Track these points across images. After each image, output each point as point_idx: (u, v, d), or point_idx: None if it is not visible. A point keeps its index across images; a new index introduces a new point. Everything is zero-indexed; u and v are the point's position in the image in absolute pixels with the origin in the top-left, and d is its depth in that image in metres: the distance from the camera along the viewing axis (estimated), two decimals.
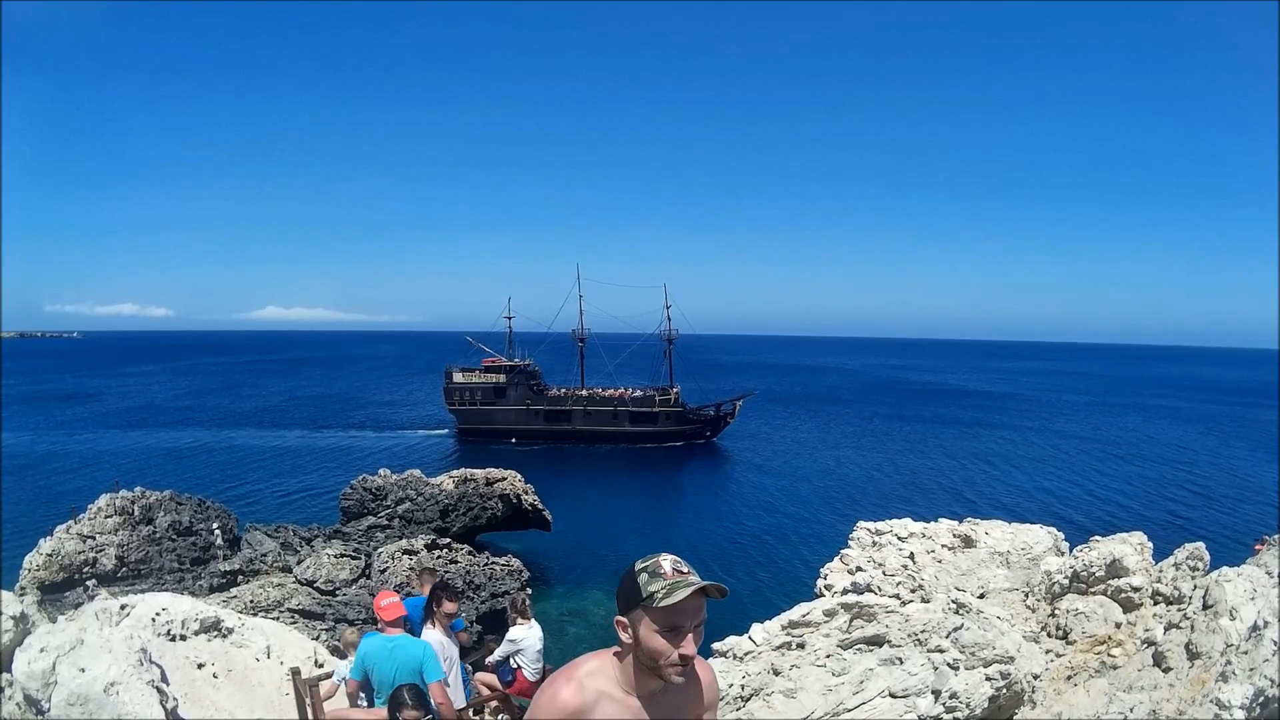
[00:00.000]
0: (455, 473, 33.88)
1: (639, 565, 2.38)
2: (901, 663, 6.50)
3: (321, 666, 8.54)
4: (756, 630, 7.43)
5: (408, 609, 8.18)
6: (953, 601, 7.38)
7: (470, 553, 24.96)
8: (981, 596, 9.43)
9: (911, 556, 10.62)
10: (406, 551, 23.82)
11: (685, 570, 2.34)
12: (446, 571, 22.56)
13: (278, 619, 18.11)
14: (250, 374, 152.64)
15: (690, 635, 2.33)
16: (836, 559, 11.38)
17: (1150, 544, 8.47)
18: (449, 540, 25.86)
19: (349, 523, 31.02)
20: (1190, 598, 5.80)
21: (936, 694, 6.24)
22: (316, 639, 13.65)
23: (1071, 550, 9.52)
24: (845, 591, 9.31)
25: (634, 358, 75.05)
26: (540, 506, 32.81)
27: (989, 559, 10.39)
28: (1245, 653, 4.41)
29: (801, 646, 7.06)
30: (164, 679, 6.69)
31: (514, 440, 67.78)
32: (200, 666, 7.94)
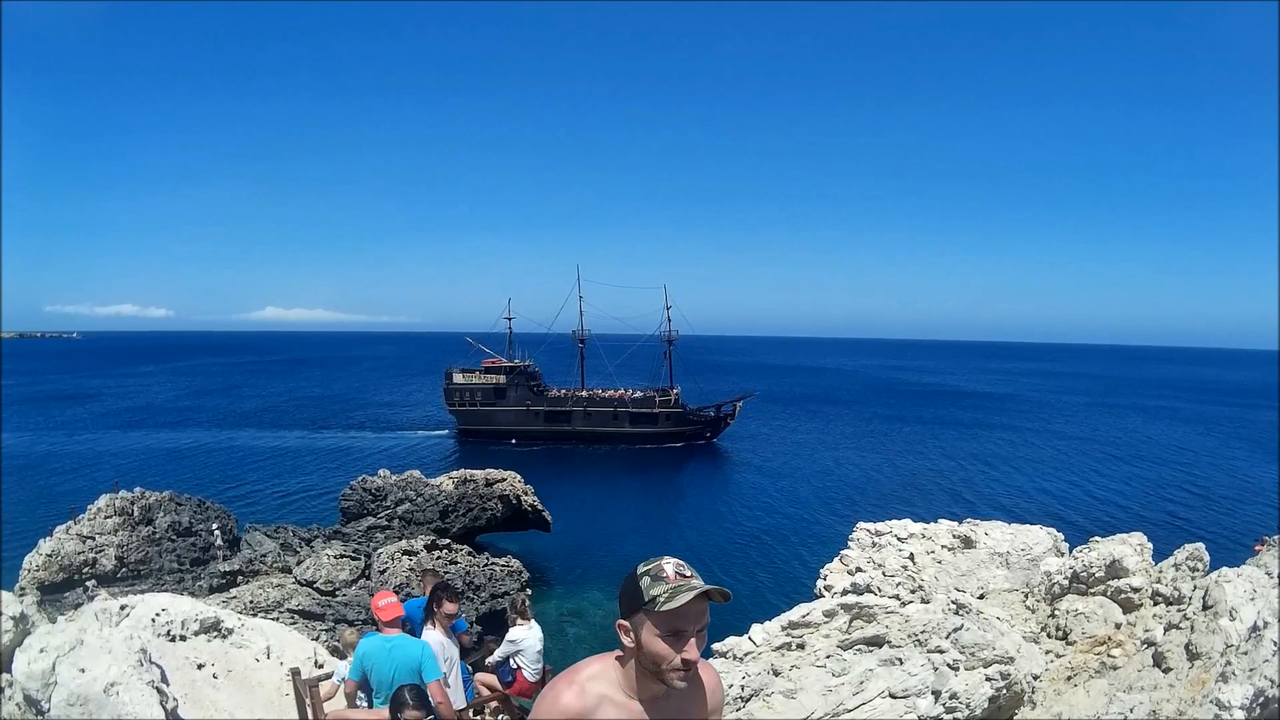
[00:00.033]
0: (455, 473, 33.87)
1: (641, 568, 2.35)
2: (901, 663, 6.50)
3: (321, 667, 8.53)
4: (756, 631, 7.43)
5: (409, 610, 8.19)
6: (952, 602, 7.38)
7: (470, 553, 24.96)
8: (981, 597, 9.43)
9: (911, 557, 10.62)
10: (406, 552, 23.81)
11: (688, 574, 2.31)
12: (446, 572, 22.55)
13: (277, 619, 18.11)
14: (250, 374, 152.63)
15: (693, 640, 2.31)
16: (836, 560, 11.38)
17: (1150, 545, 8.47)
18: (449, 541, 25.85)
19: (349, 523, 31.01)
20: (1190, 598, 5.80)
21: (936, 694, 6.24)
22: (316, 639, 13.64)
23: (1071, 551, 9.52)
24: (845, 592, 9.30)
25: (634, 359, 75.06)
26: (540, 507, 32.80)
27: (989, 560, 10.39)
28: (1245, 653, 4.41)
29: (801, 647, 7.06)
30: (164, 679, 6.69)
31: (514, 441, 67.78)
32: (200, 667, 7.94)
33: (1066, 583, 8.29)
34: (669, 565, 2.32)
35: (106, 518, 24.89)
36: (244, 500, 42.56)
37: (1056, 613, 8.14)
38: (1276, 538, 7.25)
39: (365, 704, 6.66)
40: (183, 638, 8.14)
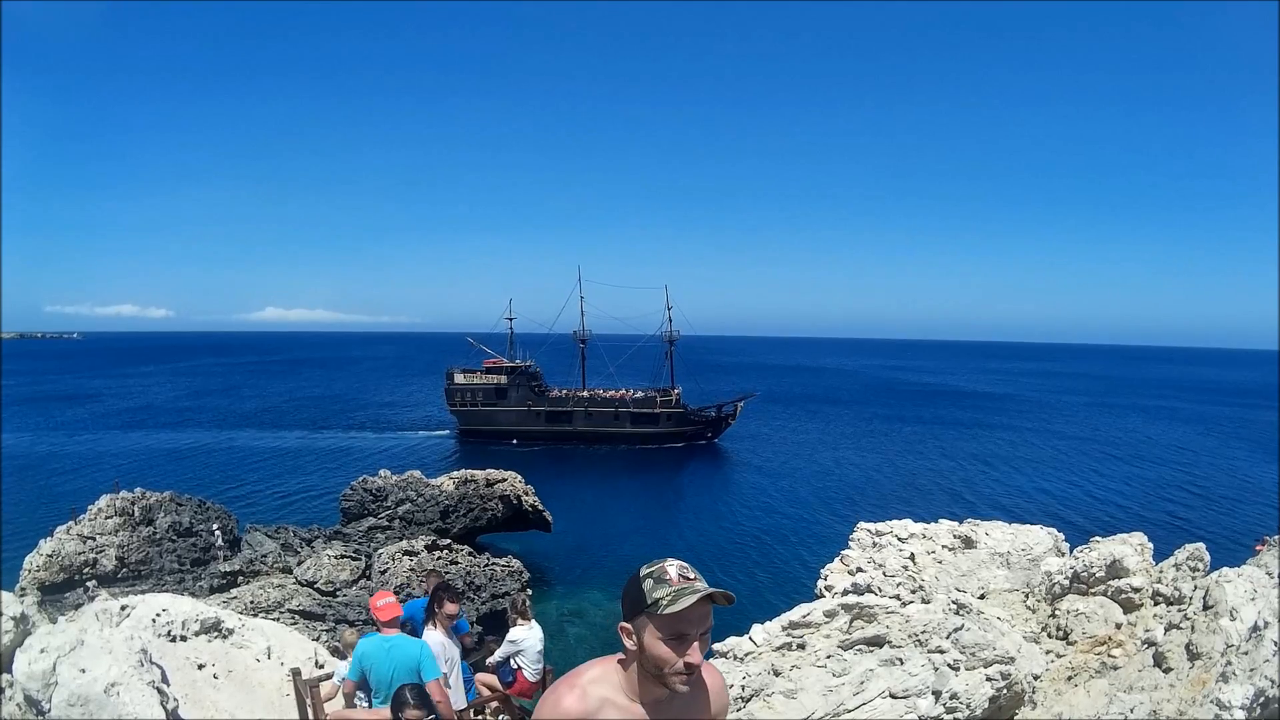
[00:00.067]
0: (455, 474, 33.87)
1: (644, 570, 2.32)
2: (902, 663, 6.50)
3: (322, 667, 8.53)
4: (757, 631, 7.43)
5: (410, 611, 8.19)
6: (953, 602, 7.38)
7: (470, 554, 24.96)
8: (982, 597, 9.43)
9: (912, 557, 10.62)
10: (407, 553, 23.82)
11: (691, 576, 2.28)
12: (447, 572, 22.55)
13: (278, 620, 18.11)
14: (250, 375, 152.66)
15: (696, 643, 2.27)
16: (837, 560, 11.38)
17: (1150, 545, 8.47)
18: (449, 541, 25.86)
19: (349, 524, 31.01)
20: (1190, 598, 5.80)
21: (937, 694, 6.24)
22: (317, 640, 13.64)
23: (1072, 551, 9.52)
24: (845, 592, 9.30)
25: (635, 359, 75.06)
26: (540, 507, 32.80)
27: (989, 560, 10.39)
28: (1245, 653, 4.41)
29: (802, 647, 7.06)
30: (164, 680, 6.69)
31: (515, 441, 67.79)
32: (201, 667, 7.94)
33: (1067, 583, 8.29)
34: (672, 567, 2.29)
35: (107, 518, 24.90)
36: (244, 500, 42.57)
37: (1057, 613, 8.14)
38: (1276, 538, 7.25)
39: (365, 704, 6.67)
40: (183, 638, 8.14)
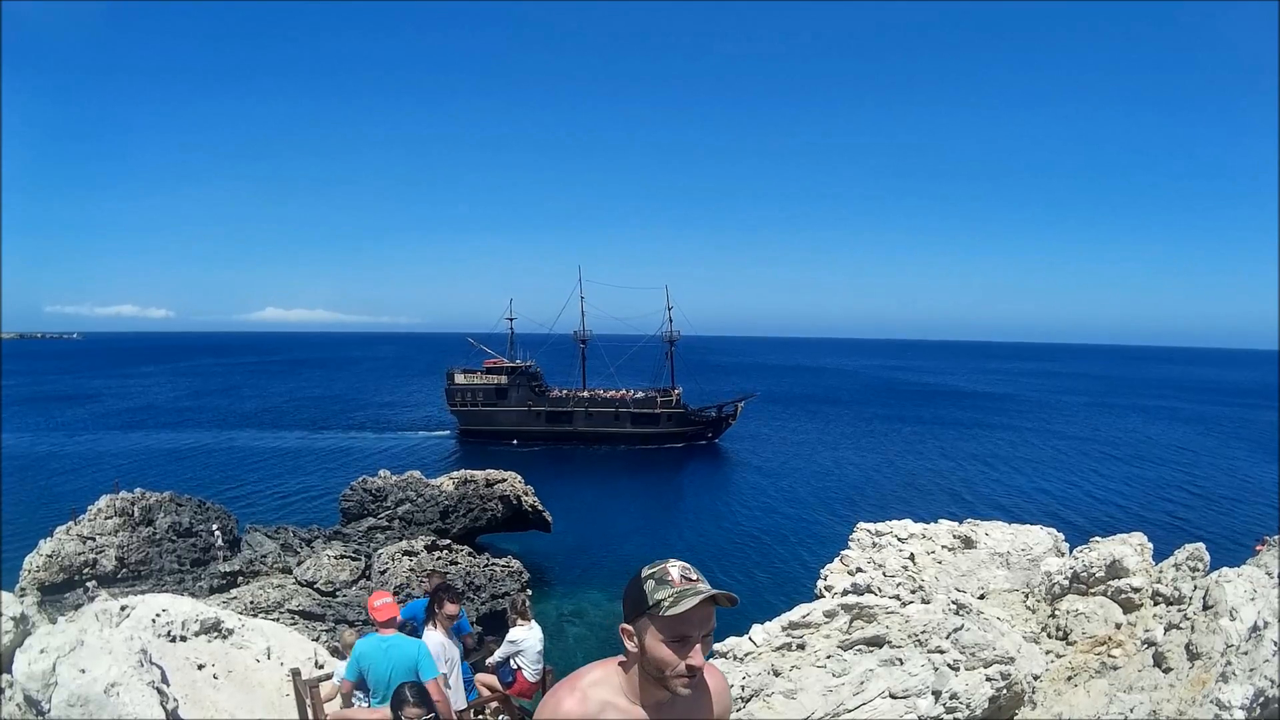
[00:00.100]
0: (455, 474, 33.88)
1: (646, 571, 2.29)
2: (902, 663, 6.50)
3: (321, 667, 8.53)
4: (756, 631, 7.42)
5: (411, 611, 8.20)
6: (953, 602, 7.38)
7: (470, 554, 24.98)
8: (982, 597, 9.43)
9: (911, 557, 10.62)
10: (406, 553, 23.83)
11: (694, 577, 2.25)
12: (446, 572, 22.55)
13: (278, 620, 18.12)
14: (250, 375, 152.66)
15: (698, 645, 2.24)
16: (836, 560, 11.38)
17: (1150, 545, 8.47)
18: (449, 541, 25.87)
19: (349, 524, 31.01)
20: (1190, 598, 5.80)
21: (937, 695, 6.24)
22: (316, 640, 13.64)
23: (1072, 551, 9.52)
24: (845, 592, 9.30)
25: (635, 359, 75.06)
26: (540, 508, 32.80)
27: (989, 560, 10.39)
28: (1245, 653, 4.41)
29: (802, 647, 7.06)
30: (164, 680, 6.69)
31: (515, 441, 67.79)
32: (200, 667, 7.94)
33: (1067, 583, 8.29)
34: (674, 568, 2.26)
35: (107, 518, 24.90)
36: (244, 501, 42.57)
37: (1057, 613, 8.14)
38: (1276, 538, 7.25)
39: (364, 704, 6.67)
40: (183, 638, 8.14)
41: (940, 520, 11.74)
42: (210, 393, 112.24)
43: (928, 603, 7.93)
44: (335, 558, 24.00)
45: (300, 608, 21.57)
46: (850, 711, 6.21)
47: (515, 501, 32.33)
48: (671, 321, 74.40)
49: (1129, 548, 8.15)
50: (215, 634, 8.40)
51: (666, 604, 2.18)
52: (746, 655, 7.18)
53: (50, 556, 22.77)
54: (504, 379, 70.30)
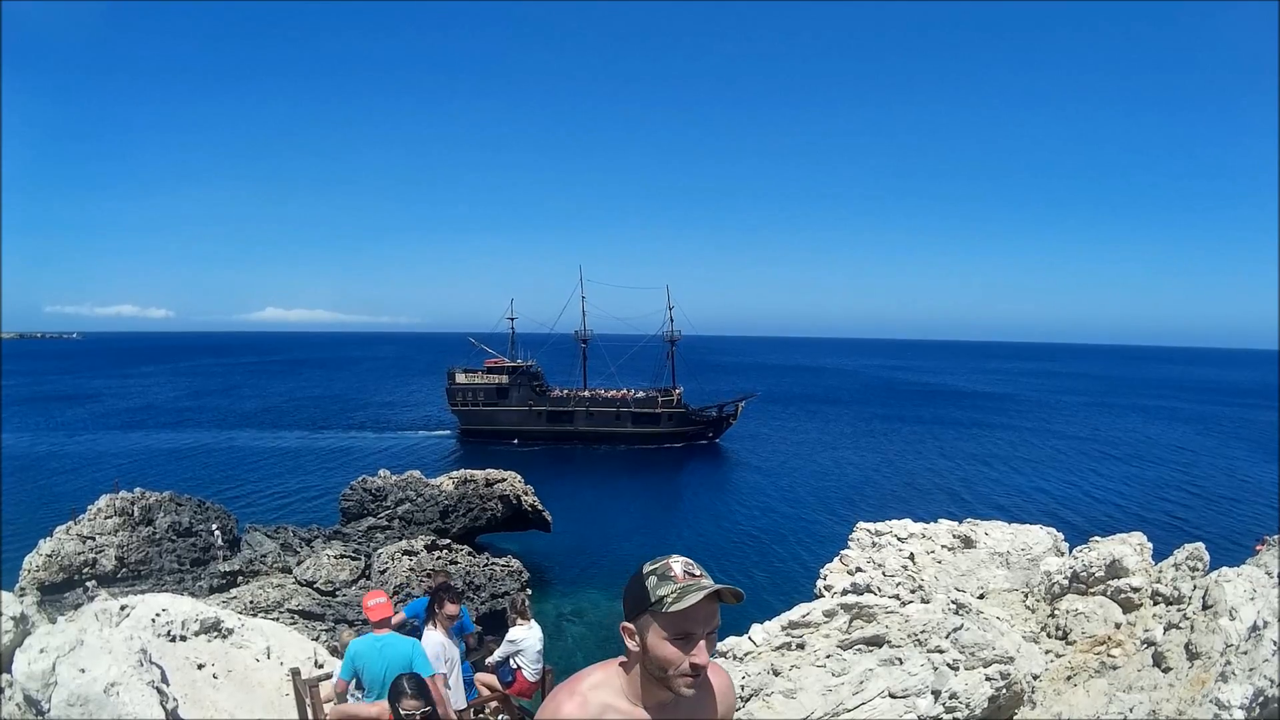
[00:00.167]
0: (455, 474, 33.87)
1: (647, 568, 2.20)
2: (901, 663, 6.50)
3: (321, 667, 8.54)
4: (756, 631, 7.42)
5: (412, 611, 8.20)
6: (952, 602, 7.38)
7: (470, 553, 24.97)
8: (981, 597, 9.43)
9: (911, 557, 10.62)
10: (406, 552, 23.83)
11: (697, 573, 2.17)
12: (450, 572, 22.56)
13: (278, 620, 18.12)
14: (250, 375, 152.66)
15: (702, 643, 2.15)
16: (836, 559, 11.38)
17: (1150, 544, 8.47)
18: (449, 541, 25.87)
19: (349, 523, 31.01)
20: (1190, 598, 5.81)
21: (936, 694, 6.24)
22: (316, 639, 13.64)
23: (1071, 551, 9.52)
24: (845, 592, 9.31)
25: (636, 359, 75.08)
26: (540, 507, 32.81)
27: (989, 559, 10.39)
28: (1245, 653, 4.41)
29: (801, 647, 7.06)
30: (164, 679, 6.69)
31: (515, 441, 67.81)
32: (200, 667, 7.94)
33: (1066, 582, 8.29)
34: (677, 564, 2.18)
35: (106, 518, 24.90)
36: (244, 500, 42.57)
37: (1056, 612, 8.14)
38: (1276, 538, 7.25)
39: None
40: (183, 638, 8.14)
41: (940, 520, 11.74)
42: (210, 393, 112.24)
43: (927, 602, 7.93)
44: (335, 557, 24.00)
45: (300, 607, 21.58)
46: (850, 711, 6.22)
47: (515, 501, 32.33)
48: (672, 321, 74.48)
49: (1129, 547, 8.16)
50: (215, 633, 8.40)
51: (670, 600, 2.11)
52: (746, 655, 7.18)
53: (50, 556, 22.77)
54: (505, 379, 70.32)
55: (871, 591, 9.38)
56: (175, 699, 6.57)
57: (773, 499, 47.46)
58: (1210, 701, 4.30)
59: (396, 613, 8.68)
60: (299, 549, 26.90)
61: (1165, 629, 5.62)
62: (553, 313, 78.30)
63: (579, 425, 69.67)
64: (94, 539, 24.00)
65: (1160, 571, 7.84)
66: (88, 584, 22.35)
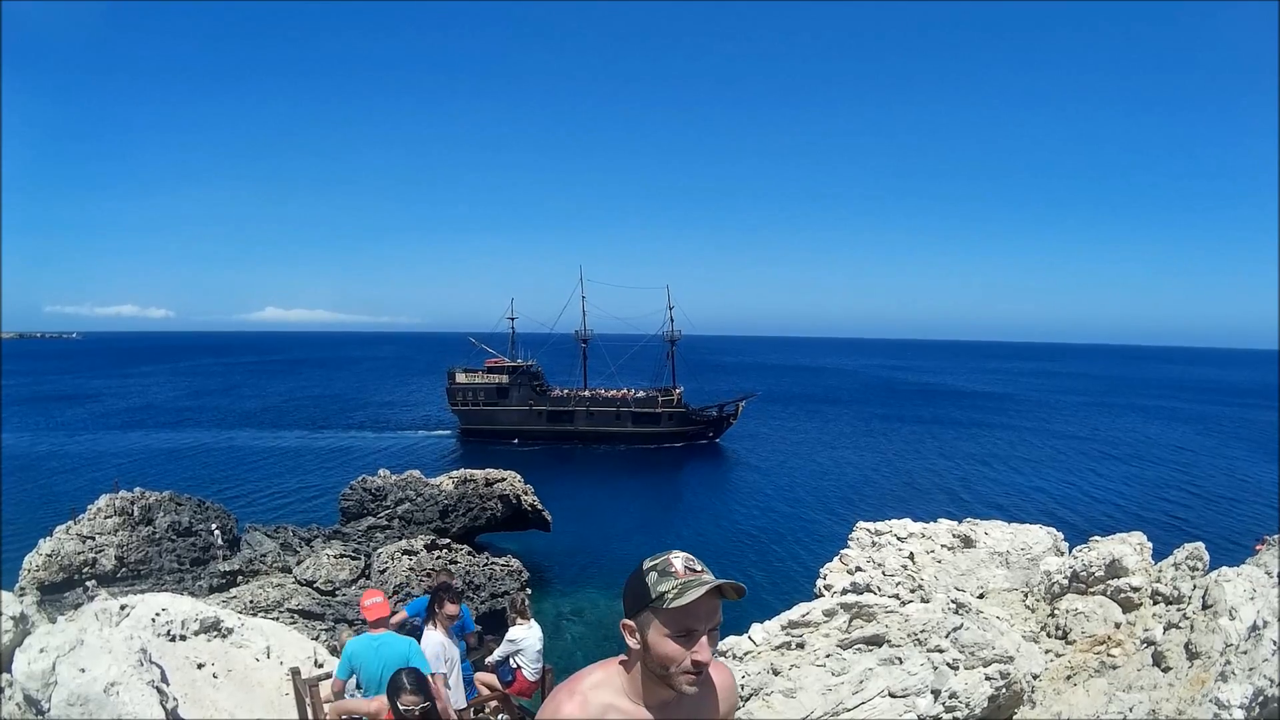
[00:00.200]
0: (455, 473, 33.87)
1: (648, 564, 2.16)
2: (901, 662, 6.50)
3: (321, 666, 8.54)
4: (756, 630, 7.42)
5: (415, 608, 8.21)
6: (952, 601, 7.38)
7: (470, 553, 24.97)
8: (981, 596, 9.43)
9: (911, 557, 10.62)
10: (406, 552, 23.82)
11: (699, 568, 2.13)
12: (452, 572, 22.56)
13: (277, 619, 18.11)
14: (250, 375, 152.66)
15: (704, 639, 2.11)
16: (836, 559, 11.38)
17: (1150, 544, 8.47)
18: (449, 541, 25.86)
19: (348, 523, 31.02)
20: (1190, 598, 5.81)
21: (936, 694, 6.24)
22: (316, 639, 13.64)
23: (1071, 550, 9.52)
24: (845, 591, 9.31)
25: (637, 359, 75.10)
26: (540, 507, 32.81)
27: (988, 559, 10.39)
28: (1245, 652, 4.42)
29: (801, 646, 7.05)
30: (164, 679, 6.69)
31: (515, 441, 67.83)
32: (200, 667, 7.94)
33: (1066, 582, 8.29)
34: (678, 559, 2.15)
35: (106, 518, 24.89)
36: (244, 500, 42.57)
37: (1056, 612, 8.14)
38: (1276, 537, 7.25)
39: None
40: (183, 637, 8.14)
41: (939, 519, 11.73)
42: (210, 392, 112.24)
43: (927, 602, 7.93)
44: (335, 557, 24.00)
45: (300, 607, 21.57)
46: (849, 710, 6.22)
47: (515, 501, 32.33)
48: (673, 321, 74.49)
49: (1128, 547, 8.16)
50: (215, 633, 8.40)
51: (670, 596, 2.07)
52: (746, 654, 7.18)
53: (50, 556, 22.77)
54: (505, 378, 70.35)
55: (871, 591, 9.38)
56: (175, 698, 6.57)
57: (773, 498, 47.46)
58: (1210, 701, 4.30)
59: (397, 611, 8.69)
60: (299, 548, 26.91)
61: (1165, 629, 5.62)
62: (553, 312, 78.38)
63: (579, 425, 69.69)
64: (94, 539, 24.00)
65: (1160, 571, 7.84)
66: (88, 584, 22.35)
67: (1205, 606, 5.32)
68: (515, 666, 8.45)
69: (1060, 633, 7.85)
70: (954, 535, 10.94)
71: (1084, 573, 8.08)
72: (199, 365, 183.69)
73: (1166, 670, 5.19)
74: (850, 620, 7.18)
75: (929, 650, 6.58)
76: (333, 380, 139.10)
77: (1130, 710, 4.93)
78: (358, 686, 6.58)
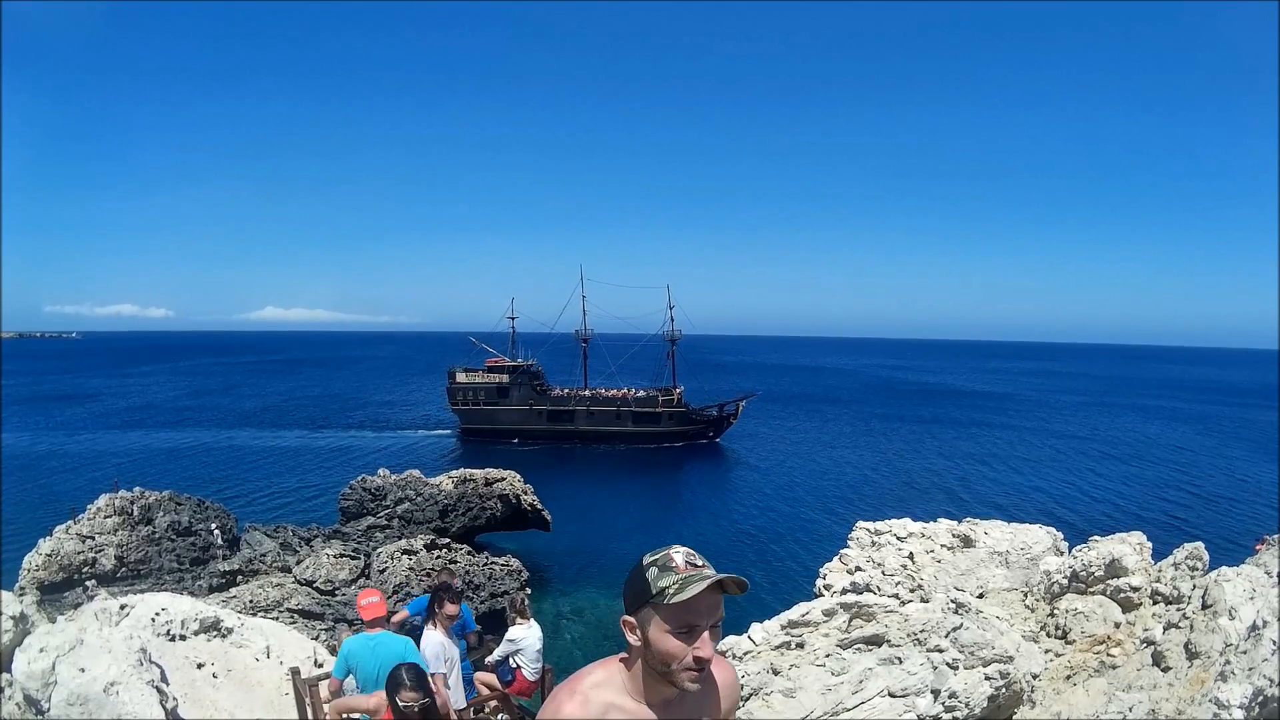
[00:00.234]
0: (454, 473, 33.87)
1: (648, 559, 2.13)
2: (901, 662, 6.50)
3: (321, 666, 8.54)
4: (755, 630, 7.42)
5: (416, 607, 8.21)
6: (952, 601, 7.38)
7: (469, 553, 24.97)
8: (981, 596, 9.43)
9: (911, 556, 10.62)
10: (406, 551, 23.82)
11: (700, 563, 2.10)
12: (455, 572, 22.55)
13: (277, 619, 18.10)
14: (250, 374, 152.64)
15: (706, 635, 2.08)
16: (836, 559, 11.38)
17: (1149, 544, 8.47)
18: (448, 540, 25.86)
19: (348, 523, 31.02)
20: (1189, 597, 5.81)
21: (935, 693, 6.24)
22: (316, 639, 13.65)
23: (1071, 550, 9.52)
24: (844, 591, 9.31)
25: (637, 358, 75.11)
26: (539, 506, 32.81)
27: (988, 559, 10.39)
28: (1244, 652, 4.42)
29: (801, 646, 7.06)
30: (164, 679, 6.69)
31: (516, 440, 67.83)
32: (200, 666, 7.94)
33: (1066, 582, 8.29)
34: (678, 554, 2.11)
35: (106, 517, 24.89)
36: (244, 500, 42.57)
37: (1056, 612, 8.14)
38: (1276, 537, 7.26)
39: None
40: (182, 637, 8.14)
41: (939, 519, 11.73)
42: (210, 392, 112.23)
43: (927, 601, 7.93)
44: (334, 556, 24.00)
45: (299, 606, 21.57)
46: (849, 710, 6.22)
47: (514, 500, 32.33)
48: (673, 320, 74.48)
49: (1128, 547, 8.15)
50: (214, 633, 8.40)
51: (671, 591, 2.04)
52: (745, 654, 7.18)
53: (49, 555, 22.77)
54: (506, 378, 70.37)
55: (871, 591, 9.38)
56: (175, 698, 6.57)
57: (772, 498, 47.46)
58: (1209, 701, 4.30)
59: (398, 611, 8.70)
60: (298, 548, 26.91)
61: (1165, 628, 5.62)
62: (553, 312, 78.40)
63: (579, 424, 69.70)
64: (93, 538, 24.01)
65: (1160, 571, 7.84)
66: (87, 583, 22.34)
67: (1205, 606, 5.32)
68: (515, 666, 8.45)
69: (1060, 632, 7.85)
70: (954, 535, 10.94)
71: (1084, 572, 8.08)
72: (199, 365, 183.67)
73: (1166, 670, 5.19)
74: (850, 620, 7.18)
75: (929, 650, 6.58)
76: (333, 380, 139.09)
77: (1130, 710, 4.94)
78: (343, 689, 6.60)
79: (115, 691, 5.82)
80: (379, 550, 24.62)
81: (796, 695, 6.38)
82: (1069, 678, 6.64)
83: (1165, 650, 5.31)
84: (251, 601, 21.05)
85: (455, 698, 7.05)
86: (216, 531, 27.09)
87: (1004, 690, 6.32)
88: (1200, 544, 7.65)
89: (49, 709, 5.41)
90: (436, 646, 6.86)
